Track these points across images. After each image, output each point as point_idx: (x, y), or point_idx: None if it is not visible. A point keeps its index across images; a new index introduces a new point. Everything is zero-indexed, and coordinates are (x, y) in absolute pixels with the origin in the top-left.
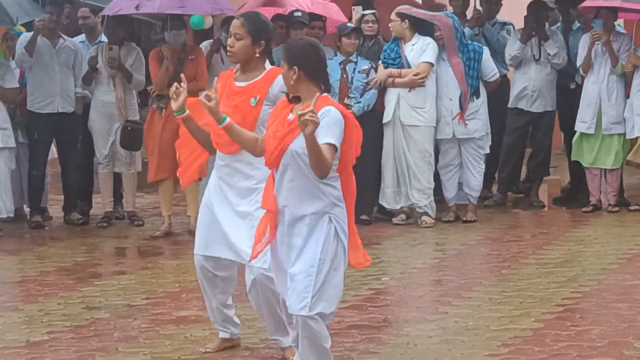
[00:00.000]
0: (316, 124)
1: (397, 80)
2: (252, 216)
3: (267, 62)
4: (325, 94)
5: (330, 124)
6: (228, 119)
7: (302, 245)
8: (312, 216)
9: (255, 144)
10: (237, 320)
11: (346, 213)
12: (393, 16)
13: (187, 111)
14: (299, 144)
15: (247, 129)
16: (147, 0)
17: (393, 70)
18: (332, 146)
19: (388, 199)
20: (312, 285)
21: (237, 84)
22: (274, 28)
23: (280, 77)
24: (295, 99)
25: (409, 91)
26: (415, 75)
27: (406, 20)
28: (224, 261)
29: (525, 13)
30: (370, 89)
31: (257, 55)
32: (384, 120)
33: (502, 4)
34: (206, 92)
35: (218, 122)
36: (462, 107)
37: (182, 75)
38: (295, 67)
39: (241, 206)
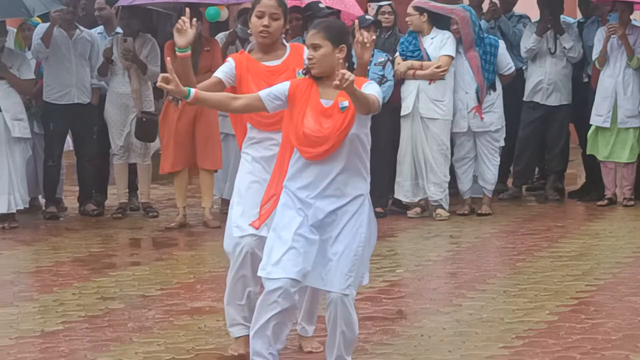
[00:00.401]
0: (352, 80)
1: (419, 72)
2: None
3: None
4: None
5: (374, 84)
6: (193, 91)
7: (343, 225)
8: (358, 198)
9: (229, 101)
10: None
11: None
12: (410, 10)
13: (189, 51)
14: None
15: None
16: None
17: (415, 63)
18: (377, 97)
19: (406, 192)
20: (356, 266)
21: (268, 63)
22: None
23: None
24: (314, 77)
25: (430, 84)
26: (437, 68)
27: (425, 14)
28: None
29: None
30: (387, 81)
31: (283, 34)
32: (403, 113)
33: None
34: (163, 75)
35: (185, 97)
36: (480, 100)
37: (187, 9)
38: (343, 46)
39: None
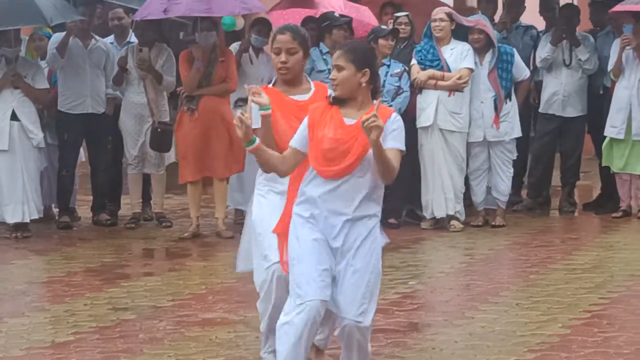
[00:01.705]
0: (381, 129)
1: (440, 82)
2: None
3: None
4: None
5: (400, 130)
6: (258, 140)
7: (357, 248)
8: (370, 219)
9: (282, 161)
10: None
11: None
12: (443, 15)
13: (258, 141)
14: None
15: None
16: (175, 4)
17: (437, 73)
18: (401, 152)
19: (437, 208)
20: (370, 293)
21: (295, 97)
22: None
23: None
24: (337, 101)
25: (449, 96)
26: (458, 79)
27: (454, 22)
28: None
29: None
30: (403, 92)
31: (304, 66)
32: (424, 125)
33: (524, 7)
34: (240, 116)
35: (247, 144)
36: (497, 110)
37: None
38: (366, 70)
39: None
